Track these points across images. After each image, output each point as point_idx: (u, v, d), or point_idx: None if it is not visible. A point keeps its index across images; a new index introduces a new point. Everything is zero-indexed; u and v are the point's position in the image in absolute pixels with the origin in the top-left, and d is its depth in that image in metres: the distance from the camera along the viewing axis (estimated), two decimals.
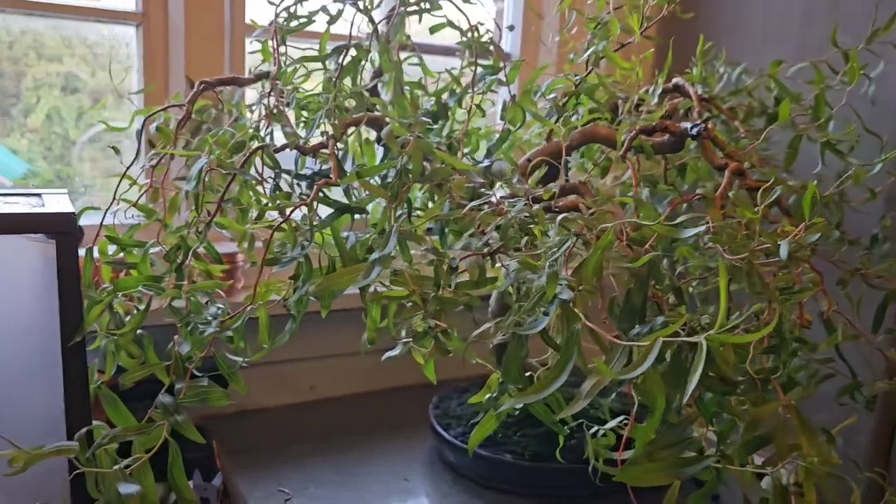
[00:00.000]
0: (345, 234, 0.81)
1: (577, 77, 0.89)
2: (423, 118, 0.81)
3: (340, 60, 0.81)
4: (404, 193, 0.73)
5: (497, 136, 1.09)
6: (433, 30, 0.96)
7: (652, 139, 0.82)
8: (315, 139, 0.83)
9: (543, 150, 0.88)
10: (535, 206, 0.69)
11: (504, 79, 0.95)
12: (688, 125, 0.80)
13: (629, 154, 0.79)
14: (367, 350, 0.81)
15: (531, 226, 0.69)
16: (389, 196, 0.73)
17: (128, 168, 0.88)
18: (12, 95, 1.18)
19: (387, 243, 0.66)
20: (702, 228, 0.57)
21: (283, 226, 0.74)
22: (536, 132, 1.07)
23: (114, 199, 0.87)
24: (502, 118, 0.95)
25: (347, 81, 0.85)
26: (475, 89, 0.91)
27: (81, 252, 1.05)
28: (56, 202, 0.83)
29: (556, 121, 0.90)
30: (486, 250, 0.72)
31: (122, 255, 0.88)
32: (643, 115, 0.85)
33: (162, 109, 0.88)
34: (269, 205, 0.75)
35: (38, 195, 0.87)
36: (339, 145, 0.83)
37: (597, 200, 0.74)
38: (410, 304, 0.65)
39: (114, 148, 0.90)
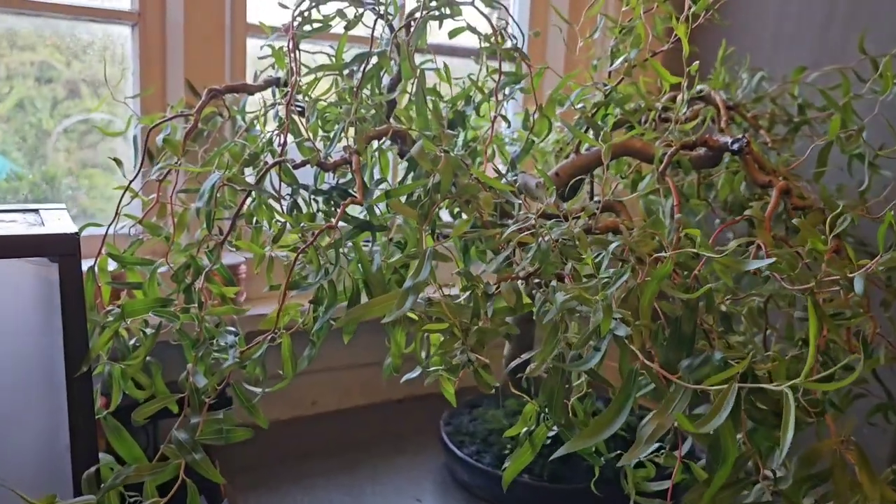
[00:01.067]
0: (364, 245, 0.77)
1: (607, 87, 0.85)
2: (449, 131, 0.76)
3: (363, 68, 0.76)
4: (433, 212, 0.69)
5: (510, 143, 1.06)
6: (452, 34, 0.92)
7: (689, 154, 0.78)
8: (334, 151, 0.79)
9: (574, 164, 0.84)
10: (576, 229, 0.66)
11: (525, 86, 0.91)
12: (727, 140, 0.77)
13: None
14: (390, 376, 0.77)
15: (573, 249, 0.65)
16: (419, 216, 0.68)
17: (130, 182, 0.82)
18: None
19: (420, 269, 0.62)
20: (768, 262, 0.54)
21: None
22: (554, 139, 1.03)
23: (116, 214, 0.82)
24: (525, 127, 0.91)
25: (366, 90, 0.80)
26: (498, 97, 0.86)
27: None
28: (56, 220, 0.78)
29: (586, 132, 0.86)
30: (521, 273, 0.68)
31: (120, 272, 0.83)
32: (672, 126, 0.81)
33: (167, 119, 0.83)
34: (291, 225, 0.70)
35: (36, 211, 0.82)
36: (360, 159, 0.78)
37: (638, 221, 0.70)
38: (448, 335, 0.61)
39: (115, 160, 0.85)
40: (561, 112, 0.94)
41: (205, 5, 1.11)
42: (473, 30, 0.90)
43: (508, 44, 0.89)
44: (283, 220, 0.72)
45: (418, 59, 0.88)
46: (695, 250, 0.56)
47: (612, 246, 0.59)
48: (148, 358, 0.75)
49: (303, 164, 0.73)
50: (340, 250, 0.67)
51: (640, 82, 0.95)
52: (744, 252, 0.64)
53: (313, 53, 0.89)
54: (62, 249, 0.70)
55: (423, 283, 0.62)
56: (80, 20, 1.11)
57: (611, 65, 0.90)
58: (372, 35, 0.79)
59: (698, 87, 1.00)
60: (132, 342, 0.79)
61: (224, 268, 0.81)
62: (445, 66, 0.88)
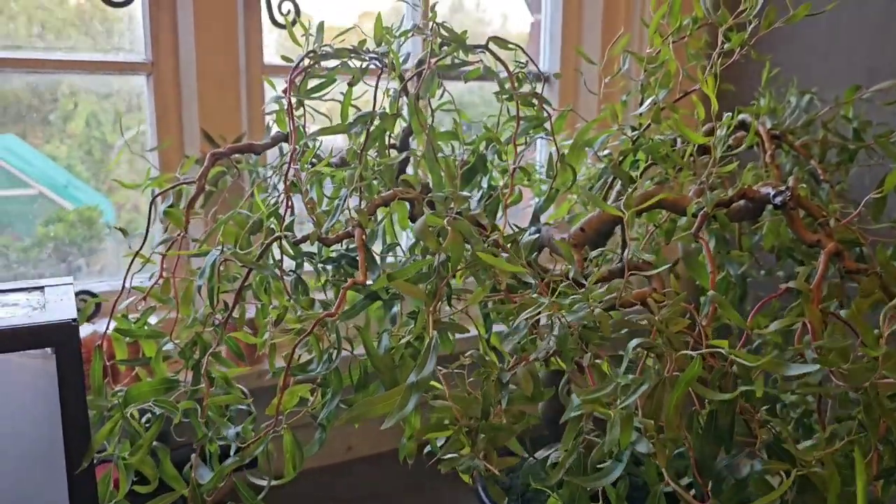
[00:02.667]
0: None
1: (635, 132, 0.78)
2: (463, 193, 0.71)
3: (366, 128, 0.72)
4: (444, 288, 0.64)
5: (533, 176, 0.99)
6: (468, 77, 0.86)
7: (727, 209, 0.71)
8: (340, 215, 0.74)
9: (601, 219, 0.77)
10: (598, 309, 0.59)
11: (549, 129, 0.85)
12: (770, 191, 0.69)
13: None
14: (404, 460, 0.72)
15: (594, 333, 0.59)
16: (427, 296, 0.63)
17: (138, 251, 0.80)
18: (51, 101, 1.13)
19: (424, 363, 0.57)
20: (813, 368, 0.47)
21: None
22: (585, 176, 0.96)
23: (123, 286, 0.80)
24: (548, 176, 0.85)
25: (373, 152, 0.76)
26: (517, 142, 0.80)
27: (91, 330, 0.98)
28: (58, 300, 0.75)
29: (612, 182, 0.79)
30: (541, 356, 0.62)
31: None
32: (709, 170, 0.73)
33: (172, 187, 0.79)
34: (290, 308, 0.66)
35: (41, 289, 0.80)
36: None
37: (668, 293, 0.63)
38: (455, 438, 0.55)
39: (121, 229, 0.82)
40: (591, 155, 0.88)
41: (216, 49, 1.08)
42: (491, 71, 0.84)
43: (527, 88, 0.83)
44: (284, 302, 0.68)
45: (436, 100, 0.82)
46: (725, 350, 0.50)
47: (633, 343, 0.52)
48: (155, 443, 0.72)
49: (302, 240, 0.69)
50: (343, 335, 0.63)
51: (674, 119, 0.88)
52: (788, 334, 0.57)
53: (325, 100, 0.84)
54: (59, 340, 0.67)
55: (428, 378, 0.57)
56: (95, 75, 1.10)
57: (641, 103, 0.83)
58: (375, 91, 0.74)
59: (740, 117, 0.92)
60: (143, 420, 0.76)
61: (232, 340, 0.78)
62: (459, 113, 0.83)
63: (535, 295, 0.67)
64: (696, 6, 0.85)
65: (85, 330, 1.00)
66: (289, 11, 1.14)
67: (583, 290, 0.61)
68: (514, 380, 0.62)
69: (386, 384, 0.65)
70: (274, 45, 1.23)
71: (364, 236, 0.67)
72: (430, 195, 0.74)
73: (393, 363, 0.66)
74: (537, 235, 0.77)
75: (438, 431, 0.55)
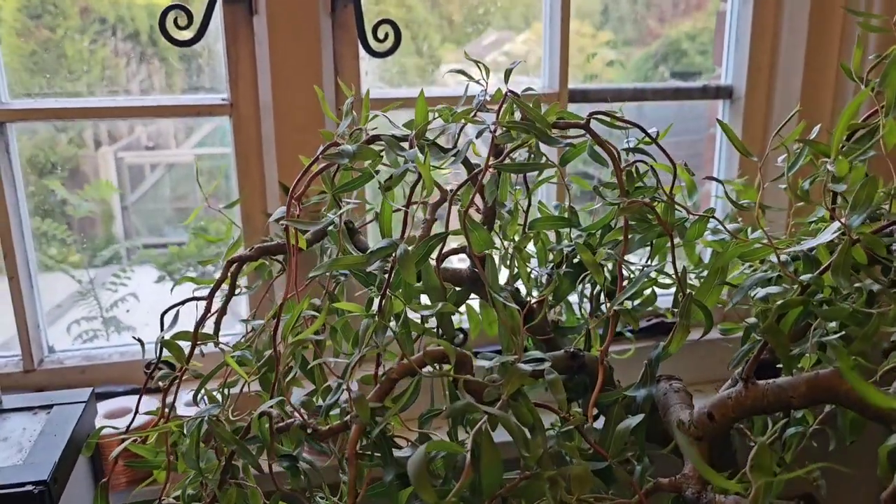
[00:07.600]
0: None
1: (804, 277, 0.50)
2: (522, 366, 0.49)
3: (389, 265, 0.51)
4: None
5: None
6: (564, 160, 0.62)
7: None
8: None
9: (740, 403, 0.51)
10: None
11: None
12: None
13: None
14: None
15: None
16: None
17: (151, 371, 0.67)
18: None
19: None
20: None
21: None
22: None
23: (135, 414, 0.68)
24: (674, 307, 0.59)
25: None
26: (621, 272, 0.56)
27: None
28: (53, 435, 0.64)
29: (763, 349, 0.52)
30: None
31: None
32: None
33: (181, 303, 0.65)
34: None
35: (49, 408, 0.70)
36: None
37: None
38: None
39: (139, 340, 0.69)
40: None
41: (295, 84, 0.91)
42: (599, 158, 0.60)
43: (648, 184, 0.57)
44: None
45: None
46: None
47: None
48: None
49: (286, 427, 0.51)
50: None
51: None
52: None
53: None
54: None
55: None
56: (175, 118, 0.99)
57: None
58: (406, 213, 0.53)
59: None
60: None
61: None
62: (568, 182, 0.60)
63: None
64: None
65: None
66: (386, 36, 0.94)
67: None
68: None
69: None
70: (376, 73, 1.05)
71: (360, 435, 0.47)
72: (478, 360, 0.52)
73: None
74: (642, 417, 0.53)
75: None
